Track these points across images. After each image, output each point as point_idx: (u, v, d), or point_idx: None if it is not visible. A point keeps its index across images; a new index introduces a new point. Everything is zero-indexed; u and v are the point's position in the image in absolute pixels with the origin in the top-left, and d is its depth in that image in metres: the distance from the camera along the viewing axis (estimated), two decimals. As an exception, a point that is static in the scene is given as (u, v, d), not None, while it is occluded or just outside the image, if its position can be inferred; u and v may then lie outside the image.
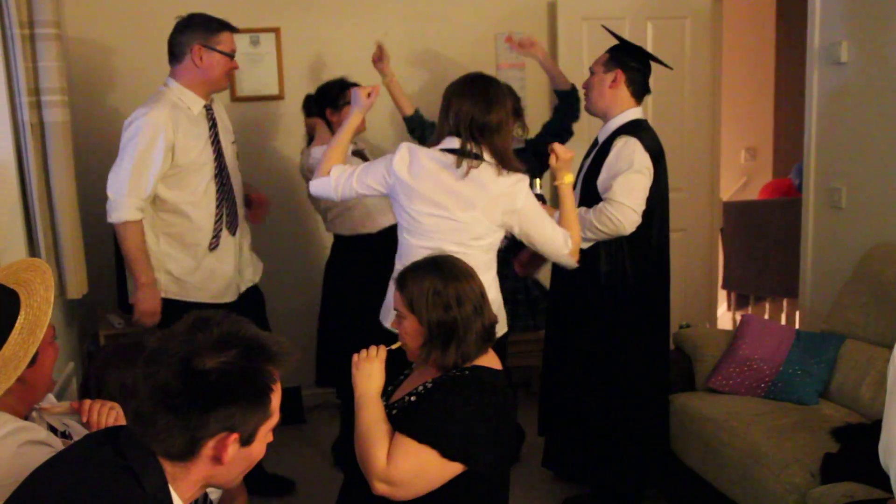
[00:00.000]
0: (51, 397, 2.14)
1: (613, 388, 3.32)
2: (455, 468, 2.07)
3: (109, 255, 3.95)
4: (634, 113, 3.29)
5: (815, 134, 3.99)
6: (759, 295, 5.73)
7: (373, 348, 2.26)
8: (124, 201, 3.10)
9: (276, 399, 1.53)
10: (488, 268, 2.81)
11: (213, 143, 3.27)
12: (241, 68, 4.32)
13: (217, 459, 1.47)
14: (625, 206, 3.10)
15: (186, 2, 4.20)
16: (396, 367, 2.39)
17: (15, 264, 1.93)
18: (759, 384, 3.39)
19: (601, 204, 3.14)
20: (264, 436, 1.54)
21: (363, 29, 4.50)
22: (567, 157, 2.93)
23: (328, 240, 4.00)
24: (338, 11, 4.47)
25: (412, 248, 2.78)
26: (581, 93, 3.55)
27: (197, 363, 1.42)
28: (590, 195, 3.25)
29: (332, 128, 3.75)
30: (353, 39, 4.48)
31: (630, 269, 3.25)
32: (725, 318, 5.92)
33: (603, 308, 3.28)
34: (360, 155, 3.82)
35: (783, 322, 5.45)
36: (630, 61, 3.27)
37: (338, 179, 2.87)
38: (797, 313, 4.57)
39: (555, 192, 3.14)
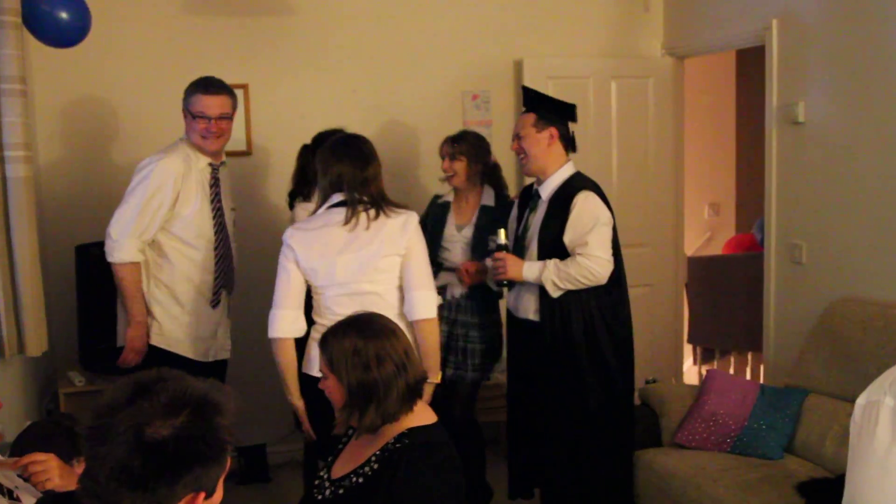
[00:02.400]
0: None
1: (579, 446, 3.32)
2: None
3: (71, 311, 3.90)
4: (570, 168, 3.40)
5: (775, 191, 4.07)
6: (725, 349, 5.77)
7: None
8: (126, 242, 3.23)
9: (229, 449, 1.49)
10: (398, 305, 2.96)
11: (213, 201, 3.39)
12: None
13: None
14: (602, 259, 3.22)
15: (151, 60, 4.26)
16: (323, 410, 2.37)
17: None
18: (724, 439, 3.40)
19: (578, 258, 3.22)
20: (223, 481, 1.50)
21: (331, 86, 4.54)
22: None
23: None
24: (306, 68, 4.52)
25: (326, 299, 2.94)
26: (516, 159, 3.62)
27: (151, 435, 1.35)
28: (549, 249, 3.30)
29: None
30: (321, 96, 4.53)
31: (601, 324, 3.30)
32: (692, 372, 5.94)
33: (578, 365, 3.29)
34: None
35: (748, 376, 5.49)
36: (555, 118, 3.37)
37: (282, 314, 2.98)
38: (762, 367, 4.60)
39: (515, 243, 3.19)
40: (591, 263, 3.20)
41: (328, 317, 2.90)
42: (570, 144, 3.42)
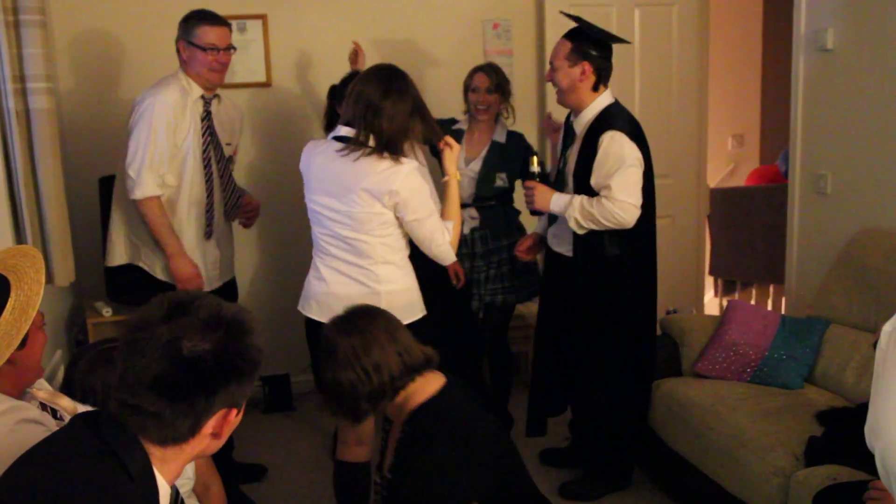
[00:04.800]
0: (43, 382, 2.14)
1: (600, 372, 3.39)
2: None
3: (97, 242, 3.93)
4: (605, 99, 3.27)
5: (801, 120, 4.01)
6: (746, 281, 5.77)
7: None
8: (144, 177, 3.25)
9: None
10: (390, 253, 2.83)
11: (204, 132, 3.37)
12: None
13: (216, 435, 1.49)
14: (627, 203, 3.14)
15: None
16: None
17: (3, 252, 1.94)
18: (744, 369, 3.41)
19: (603, 201, 3.15)
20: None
21: (351, 16, 4.48)
22: (456, 151, 2.93)
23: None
24: (325, -2, 4.46)
25: (316, 237, 2.90)
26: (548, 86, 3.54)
27: (191, 349, 1.40)
28: (584, 187, 3.25)
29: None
30: (340, 26, 4.47)
31: (630, 261, 3.31)
32: (713, 304, 5.95)
33: (604, 296, 3.32)
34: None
35: (769, 308, 5.49)
36: (592, 50, 3.21)
37: None
38: (783, 299, 4.60)
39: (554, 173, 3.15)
40: (615, 208, 3.12)
41: (317, 255, 2.91)
42: (607, 75, 3.26)
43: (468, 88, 3.82)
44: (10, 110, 2.95)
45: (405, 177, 2.72)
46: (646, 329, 3.45)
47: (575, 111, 3.33)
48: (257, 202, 3.79)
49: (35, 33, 3.00)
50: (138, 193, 3.27)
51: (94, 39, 4.20)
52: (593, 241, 3.25)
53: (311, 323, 2.92)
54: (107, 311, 3.86)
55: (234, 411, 1.49)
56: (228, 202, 3.55)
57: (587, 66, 3.21)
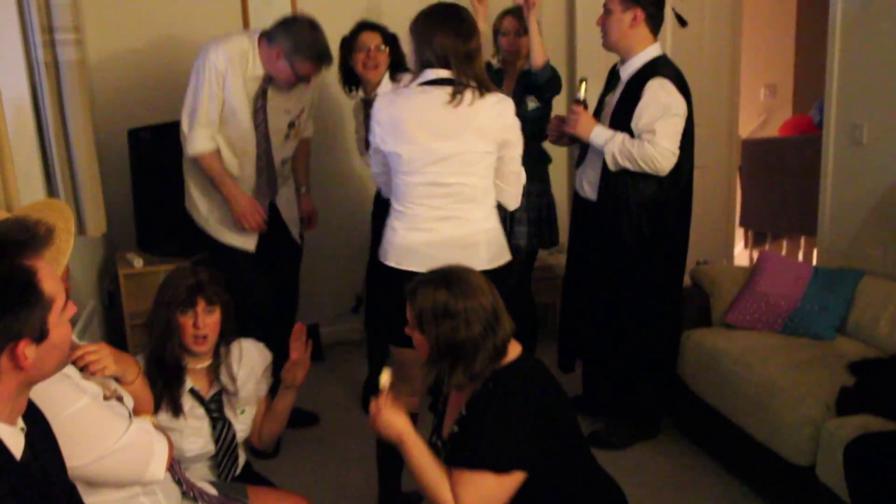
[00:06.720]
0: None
1: (628, 320, 3.41)
2: (515, 478, 2.05)
3: (127, 193, 3.96)
4: (655, 50, 3.29)
5: (838, 69, 3.92)
6: (777, 233, 5.71)
7: (377, 401, 2.18)
8: (196, 132, 3.29)
9: (47, 283, 1.35)
10: (487, 195, 2.74)
11: (257, 111, 3.36)
12: (254, 9, 4.28)
13: (19, 368, 1.34)
14: (667, 151, 3.17)
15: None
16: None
17: (30, 206, 1.89)
18: (775, 319, 3.39)
19: (644, 144, 3.17)
20: (58, 318, 1.38)
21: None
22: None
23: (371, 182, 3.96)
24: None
25: (409, 187, 2.69)
26: (598, 30, 3.46)
27: None
28: (621, 131, 3.27)
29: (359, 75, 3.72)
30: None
31: (660, 202, 3.30)
32: (743, 255, 5.91)
33: (628, 242, 3.32)
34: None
35: (800, 259, 5.43)
36: None
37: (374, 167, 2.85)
38: (814, 251, 4.55)
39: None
40: (655, 153, 3.16)
41: (408, 206, 2.71)
42: (658, 25, 3.29)
43: (497, 32, 3.79)
44: (40, 62, 2.95)
45: (512, 111, 2.70)
46: (673, 278, 3.46)
47: (622, 58, 3.34)
48: (310, 206, 3.89)
49: (62, -17, 2.99)
50: (190, 150, 3.32)
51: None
52: (619, 187, 3.27)
53: (395, 273, 2.73)
54: (138, 262, 3.89)
55: (25, 341, 1.32)
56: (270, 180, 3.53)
57: (639, 13, 3.22)
